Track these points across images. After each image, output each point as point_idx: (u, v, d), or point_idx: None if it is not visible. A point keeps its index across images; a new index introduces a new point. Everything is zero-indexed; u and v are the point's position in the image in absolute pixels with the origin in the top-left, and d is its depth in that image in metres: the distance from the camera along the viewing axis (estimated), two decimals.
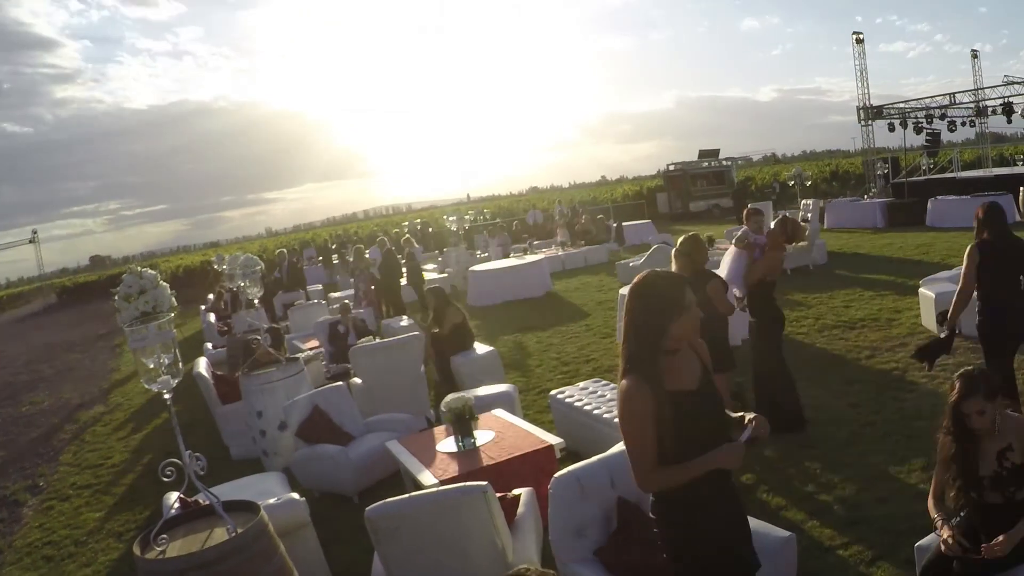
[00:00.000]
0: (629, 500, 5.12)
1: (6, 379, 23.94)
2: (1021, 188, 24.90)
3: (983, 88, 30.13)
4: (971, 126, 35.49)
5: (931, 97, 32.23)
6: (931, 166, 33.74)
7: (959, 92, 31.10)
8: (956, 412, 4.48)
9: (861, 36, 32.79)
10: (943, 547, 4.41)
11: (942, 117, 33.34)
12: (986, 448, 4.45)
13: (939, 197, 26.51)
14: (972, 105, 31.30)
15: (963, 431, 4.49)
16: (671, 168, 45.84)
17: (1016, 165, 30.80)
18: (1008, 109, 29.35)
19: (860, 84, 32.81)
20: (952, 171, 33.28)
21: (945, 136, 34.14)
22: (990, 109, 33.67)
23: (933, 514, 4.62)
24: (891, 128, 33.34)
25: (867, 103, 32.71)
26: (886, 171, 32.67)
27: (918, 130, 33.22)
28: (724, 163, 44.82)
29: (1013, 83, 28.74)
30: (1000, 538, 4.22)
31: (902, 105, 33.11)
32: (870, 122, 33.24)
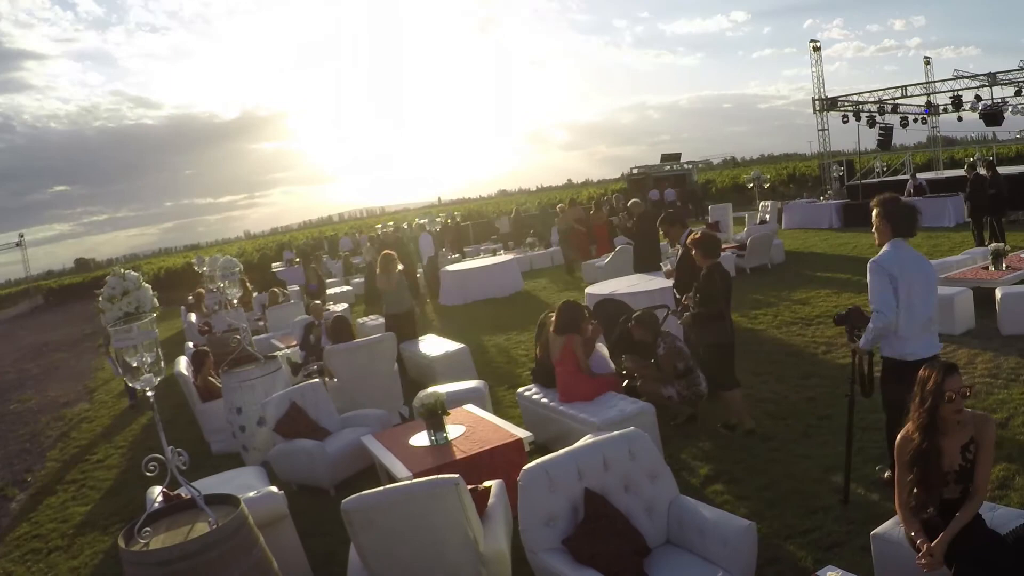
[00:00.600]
0: (596, 492, 5.16)
1: None
2: None
3: (933, 81, 30.33)
4: (922, 123, 35.77)
5: (883, 89, 32.37)
6: (884, 168, 33.99)
7: (911, 85, 31.24)
8: (937, 395, 4.46)
9: (818, 44, 32.99)
10: (923, 567, 4.32)
11: (894, 110, 33.53)
12: (949, 444, 4.47)
13: None
14: (923, 97, 31.41)
15: (934, 422, 4.48)
16: (634, 171, 45.96)
17: (965, 167, 31.05)
18: (958, 102, 29.63)
19: (817, 89, 33.03)
20: (905, 173, 33.52)
21: (898, 133, 34.25)
22: (942, 108, 33.99)
23: (910, 529, 4.53)
24: (844, 120, 33.26)
25: (823, 95, 32.78)
26: (841, 173, 32.90)
27: (871, 123, 33.34)
28: (685, 166, 44.98)
29: (962, 77, 28.99)
30: (934, 545, 4.27)
31: (856, 98, 33.17)
32: (825, 114, 33.22)
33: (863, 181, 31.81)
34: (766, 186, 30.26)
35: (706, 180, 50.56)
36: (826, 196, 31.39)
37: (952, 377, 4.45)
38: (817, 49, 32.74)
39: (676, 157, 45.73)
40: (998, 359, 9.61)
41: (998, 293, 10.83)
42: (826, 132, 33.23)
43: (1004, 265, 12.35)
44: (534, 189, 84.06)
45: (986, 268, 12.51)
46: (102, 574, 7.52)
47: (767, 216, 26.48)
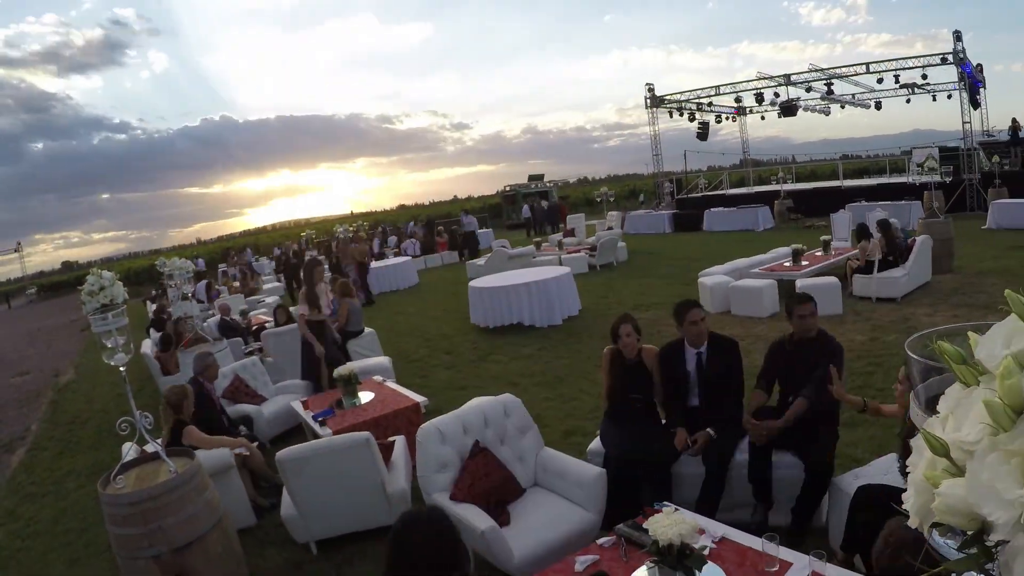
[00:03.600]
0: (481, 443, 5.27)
1: None
2: (776, 201, 26.06)
3: (740, 82, 30.79)
4: (733, 120, 36.92)
5: (702, 89, 32.77)
6: (707, 185, 34.69)
7: (722, 85, 31.67)
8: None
9: (652, 85, 33.26)
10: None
11: (710, 105, 34.31)
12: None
13: (713, 209, 27.51)
14: (732, 95, 31.92)
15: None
16: (507, 189, 46.71)
17: (771, 183, 31.91)
18: (759, 98, 30.45)
19: (651, 126, 33.39)
20: (723, 189, 34.32)
21: (713, 128, 34.60)
22: (748, 109, 34.87)
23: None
24: (671, 115, 33.18)
25: (653, 95, 32.97)
26: (672, 189, 33.54)
27: (691, 118, 33.85)
28: (548, 184, 45.54)
29: (763, 78, 29.73)
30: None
31: (679, 96, 33.35)
32: (659, 144, 33.38)
33: (689, 195, 32.57)
34: (612, 199, 30.74)
35: (564, 195, 51.14)
36: (660, 207, 32.07)
37: (622, 324, 5.54)
38: (652, 91, 32.99)
39: (540, 177, 46.46)
40: None
41: (797, 284, 11.31)
42: (659, 157, 33.72)
43: (802, 262, 12.98)
44: (427, 204, 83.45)
45: (788, 264, 13.13)
46: (85, 513, 7.46)
47: (613, 224, 26.95)
